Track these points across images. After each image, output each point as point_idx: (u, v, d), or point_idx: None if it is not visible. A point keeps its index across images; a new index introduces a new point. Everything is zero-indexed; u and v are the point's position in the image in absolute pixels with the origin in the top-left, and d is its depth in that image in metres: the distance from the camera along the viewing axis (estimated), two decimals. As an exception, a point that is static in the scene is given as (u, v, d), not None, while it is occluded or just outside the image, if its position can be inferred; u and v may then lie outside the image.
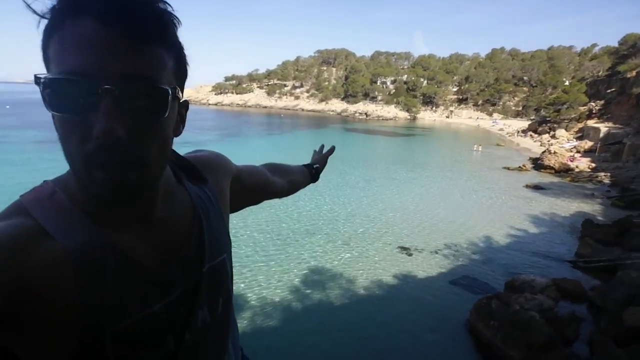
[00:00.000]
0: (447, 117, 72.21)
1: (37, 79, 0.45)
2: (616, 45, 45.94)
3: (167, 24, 0.48)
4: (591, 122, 34.45)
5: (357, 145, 33.91)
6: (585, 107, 39.73)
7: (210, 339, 0.66)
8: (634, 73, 35.92)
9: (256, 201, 0.95)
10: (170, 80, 0.50)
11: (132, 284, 0.53)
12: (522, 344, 6.10)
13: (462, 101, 74.88)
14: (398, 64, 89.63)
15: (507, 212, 14.38)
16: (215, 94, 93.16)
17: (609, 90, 40.29)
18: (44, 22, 0.46)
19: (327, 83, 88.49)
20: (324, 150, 1.29)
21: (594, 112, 37.91)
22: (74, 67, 0.44)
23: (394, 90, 78.20)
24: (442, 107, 74.90)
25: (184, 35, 0.52)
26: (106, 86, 0.44)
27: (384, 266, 9.40)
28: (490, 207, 15.13)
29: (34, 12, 0.46)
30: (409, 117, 71.51)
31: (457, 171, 22.52)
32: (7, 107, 59.40)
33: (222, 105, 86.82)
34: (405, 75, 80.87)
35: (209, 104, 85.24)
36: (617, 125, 30.23)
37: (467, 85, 73.64)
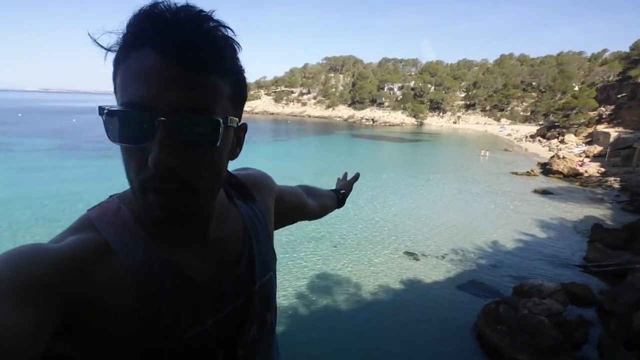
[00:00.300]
0: (455, 122, 71.93)
1: (100, 110, 0.49)
2: (627, 50, 45.51)
3: (223, 52, 0.50)
4: (601, 127, 34.10)
5: (364, 151, 33.96)
6: (595, 112, 39.31)
7: (258, 354, 0.69)
8: (644, 78, 35.53)
9: (292, 221, 0.97)
10: (226, 107, 0.52)
11: (187, 301, 0.56)
12: (531, 348, 6.07)
13: (469, 107, 74.59)
14: (405, 70, 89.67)
15: (515, 216, 14.28)
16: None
17: (619, 96, 39.86)
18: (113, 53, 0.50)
19: (334, 89, 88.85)
20: (348, 177, 1.32)
21: (604, 117, 37.51)
22: (133, 98, 0.46)
23: (401, 97, 78.19)
24: (449, 113, 74.67)
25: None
26: (161, 118, 0.46)
27: (391, 271, 9.40)
28: (498, 212, 15.04)
29: (100, 46, 0.49)
30: (416, 122, 71.39)
31: (465, 176, 22.43)
32: (19, 115, 60.54)
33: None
34: (413, 82, 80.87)
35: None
36: (627, 130, 29.91)
37: (475, 91, 73.35)
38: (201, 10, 0.49)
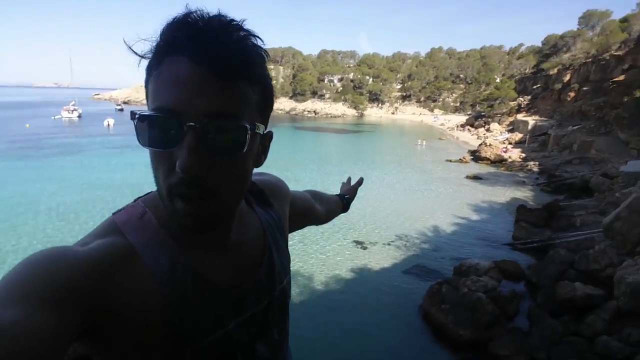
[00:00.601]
0: (393, 113, 74.88)
1: (132, 115, 0.50)
2: (540, 45, 50.28)
3: (253, 61, 0.51)
4: (520, 116, 37.53)
5: (308, 144, 34.07)
6: (515, 102, 43.17)
7: (277, 356, 0.71)
8: (555, 70, 39.59)
9: (302, 226, 0.97)
10: (254, 115, 0.53)
11: (210, 306, 0.57)
12: (471, 323, 6.56)
13: (405, 98, 77.97)
14: (344, 62, 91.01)
15: (451, 201, 15.28)
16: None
17: (534, 87, 44.10)
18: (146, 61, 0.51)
19: (275, 82, 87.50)
20: (352, 182, 1.33)
21: (522, 106, 41.34)
22: (163, 104, 0.48)
23: (341, 88, 79.42)
24: (387, 104, 77.47)
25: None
26: (190, 123, 0.47)
27: (341, 260, 9.60)
28: (436, 198, 16.00)
29: (135, 53, 0.51)
30: (356, 114, 73.12)
31: (404, 165, 23.49)
32: None
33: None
34: (352, 74, 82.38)
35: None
36: (542, 118, 33.22)
37: (409, 83, 76.73)
38: (232, 20, 0.50)
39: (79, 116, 48.26)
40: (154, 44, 0.50)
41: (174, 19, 0.49)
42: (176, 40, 0.48)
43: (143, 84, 0.53)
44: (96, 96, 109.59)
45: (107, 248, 0.50)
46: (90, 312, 0.45)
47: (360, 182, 1.33)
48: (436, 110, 71.31)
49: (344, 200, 1.20)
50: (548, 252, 8.96)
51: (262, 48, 0.53)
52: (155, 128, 0.49)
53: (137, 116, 0.49)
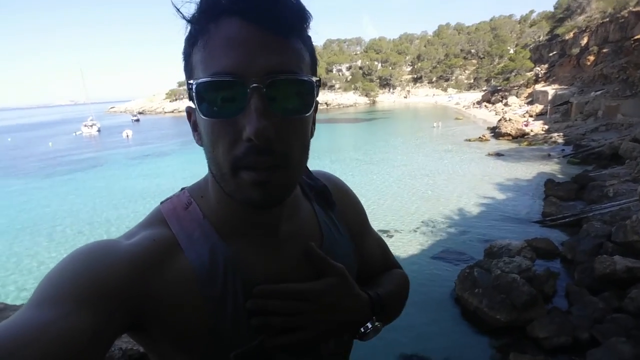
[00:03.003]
0: (405, 97, 73.73)
1: (189, 85, 0.46)
2: (552, 9, 48.36)
3: (306, 18, 0.48)
4: (539, 87, 36.32)
5: (321, 136, 33.97)
6: (531, 73, 41.76)
7: None
8: (571, 35, 38.06)
9: None
10: (309, 73, 0.49)
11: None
12: (507, 306, 6.41)
13: (417, 80, 76.61)
14: (351, 50, 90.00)
15: (475, 182, 14.96)
16: (170, 101, 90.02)
17: (551, 54, 42.56)
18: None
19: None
20: None
21: (540, 76, 39.95)
22: (220, 68, 0.44)
23: (350, 77, 78.68)
24: (399, 88, 76.31)
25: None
26: (254, 84, 0.43)
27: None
28: (459, 179, 15.68)
29: (183, 17, 0.47)
30: (368, 101, 72.34)
31: (423, 149, 23.12)
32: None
33: (179, 112, 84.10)
34: (360, 61, 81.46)
35: (165, 112, 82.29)
36: (562, 87, 32.06)
37: (419, 64, 75.34)
38: None
39: (98, 130, 49.52)
40: (194, 12, 0.46)
41: None
42: (222, 1, 0.44)
43: (182, 57, 0.49)
44: (112, 109, 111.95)
45: (149, 243, 0.50)
46: (130, 311, 0.45)
47: None
48: (450, 90, 69.80)
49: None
50: (582, 226, 8.65)
51: (306, 7, 0.49)
52: (215, 96, 0.45)
53: (194, 87, 0.45)
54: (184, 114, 0.56)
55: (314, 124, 0.55)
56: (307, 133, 0.51)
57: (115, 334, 0.44)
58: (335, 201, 0.70)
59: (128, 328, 0.47)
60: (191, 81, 0.46)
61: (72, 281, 0.43)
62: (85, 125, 50.12)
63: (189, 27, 0.47)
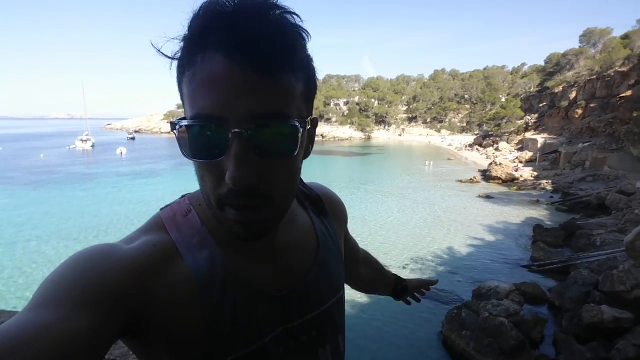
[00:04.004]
0: (400, 134, 75.22)
1: (172, 126, 0.46)
2: (542, 63, 50.66)
3: (294, 47, 0.45)
4: (529, 134, 37.41)
5: (315, 166, 34.18)
6: (522, 121, 43.14)
7: None
8: (560, 88, 39.69)
9: None
10: (300, 107, 0.48)
11: (250, 311, 0.54)
12: (494, 350, 6.30)
13: (412, 119, 78.49)
14: (349, 86, 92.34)
15: (465, 222, 15.06)
16: (167, 122, 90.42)
17: (540, 104, 44.15)
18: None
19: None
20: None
21: (530, 124, 41.24)
22: (202, 110, 0.43)
23: (347, 111, 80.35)
24: (394, 126, 77.98)
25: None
26: (235, 130, 0.42)
27: (355, 285, 9.40)
28: (449, 218, 15.78)
29: (165, 55, 0.46)
30: (363, 136, 73.56)
31: (414, 186, 23.36)
32: None
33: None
34: (357, 97, 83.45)
35: (162, 133, 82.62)
36: (551, 136, 33.07)
37: (415, 104, 77.45)
38: (257, 3, 0.43)
39: (92, 145, 49.27)
40: (183, 40, 0.44)
41: (200, 6, 0.43)
42: (206, 34, 0.42)
43: (176, 84, 0.48)
44: (108, 126, 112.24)
45: (149, 248, 0.50)
46: (129, 314, 0.45)
47: (431, 282, 1.17)
48: (443, 131, 71.49)
49: (399, 284, 1.06)
50: (569, 273, 8.69)
51: (301, 27, 0.46)
52: (197, 137, 0.44)
53: (177, 127, 0.45)
54: None
55: (311, 142, 0.55)
56: (296, 165, 0.50)
57: (114, 336, 0.44)
58: (329, 212, 0.72)
59: (125, 333, 0.46)
60: (174, 121, 0.45)
61: (72, 284, 0.42)
62: (80, 140, 49.88)
63: (179, 49, 0.46)
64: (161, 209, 0.57)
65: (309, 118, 0.50)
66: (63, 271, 0.44)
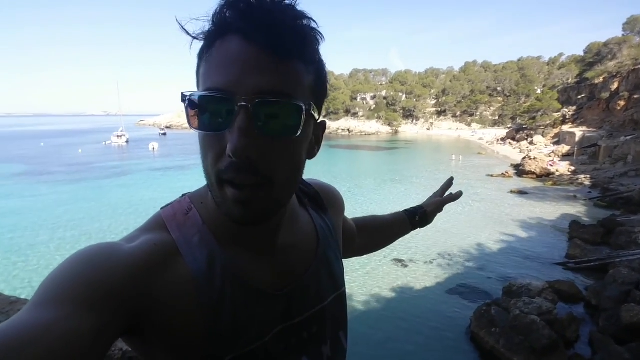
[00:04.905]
0: (428, 129, 73.66)
1: (183, 97, 0.48)
2: (582, 53, 48.13)
3: (309, 39, 0.49)
4: (566, 127, 35.71)
5: (342, 161, 34.14)
6: (559, 113, 41.23)
7: None
8: (601, 79, 37.60)
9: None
10: (307, 96, 0.49)
11: (249, 311, 0.54)
12: (526, 349, 6.10)
13: (441, 113, 76.67)
14: (376, 80, 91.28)
15: (496, 218, 14.61)
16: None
17: (579, 96, 42.00)
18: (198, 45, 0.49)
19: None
20: (448, 192, 1.14)
21: (567, 117, 39.35)
22: (215, 84, 0.46)
23: (374, 106, 79.50)
24: (422, 120, 76.43)
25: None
26: (241, 103, 0.44)
27: (381, 279, 9.36)
28: (479, 214, 15.36)
29: (187, 33, 0.48)
30: (391, 131, 72.61)
31: (443, 180, 22.79)
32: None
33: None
34: (384, 91, 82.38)
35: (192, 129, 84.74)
36: (591, 129, 31.42)
37: (444, 98, 75.56)
38: None
39: (127, 141, 51.25)
40: (205, 28, 0.48)
41: None
42: (227, 20, 0.46)
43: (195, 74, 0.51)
44: (141, 122, 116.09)
45: (150, 247, 0.50)
46: (130, 313, 0.45)
47: (455, 196, 1.14)
48: (474, 125, 69.46)
49: (415, 216, 1.06)
50: (608, 271, 8.26)
51: (317, 30, 0.50)
52: (205, 110, 0.46)
53: (187, 98, 0.47)
54: None
55: (318, 144, 0.57)
56: (299, 154, 0.51)
57: (115, 335, 0.44)
58: (328, 207, 0.73)
59: (125, 331, 0.47)
60: (186, 93, 0.47)
61: (73, 282, 0.43)
62: (116, 136, 52.01)
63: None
64: (162, 208, 0.57)
65: (317, 111, 0.51)
66: (64, 270, 0.44)
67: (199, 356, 0.50)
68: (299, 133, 0.48)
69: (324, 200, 0.73)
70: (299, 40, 0.47)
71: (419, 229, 1.07)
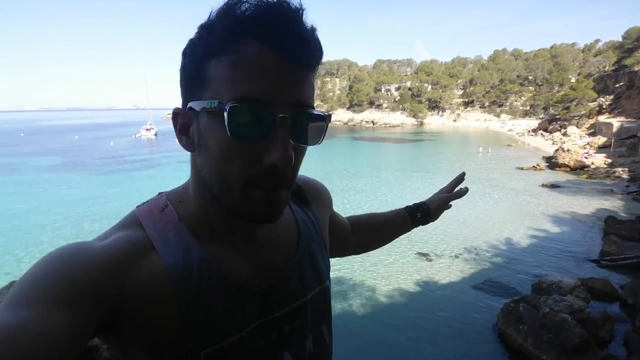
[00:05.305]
0: (455, 120, 71.85)
1: (221, 105, 0.45)
2: (620, 39, 45.54)
3: (322, 52, 0.51)
4: (602, 118, 34.02)
5: (366, 153, 33.91)
6: (594, 103, 39.26)
7: None
8: (641, 66, 35.51)
9: (337, 253, 0.88)
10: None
11: (227, 305, 0.53)
12: (556, 348, 5.92)
13: (468, 104, 74.60)
14: (401, 70, 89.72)
15: (526, 212, 14.15)
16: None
17: (617, 85, 39.84)
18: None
19: (331, 94, 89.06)
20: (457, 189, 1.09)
21: (604, 107, 37.44)
22: (249, 93, 0.45)
23: (398, 97, 78.27)
24: (448, 111, 74.63)
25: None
26: (282, 115, 0.46)
27: (404, 273, 9.29)
28: (508, 207, 14.92)
29: (210, 32, 0.48)
30: (416, 122, 71.35)
31: (470, 173, 22.18)
32: (22, 135, 60.94)
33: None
34: (409, 82, 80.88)
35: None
36: (629, 119, 29.80)
37: (472, 88, 73.41)
38: (299, 5, 0.48)
39: (155, 134, 52.78)
40: (220, 25, 0.47)
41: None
42: (253, 25, 0.45)
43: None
44: (168, 115, 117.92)
45: (123, 243, 0.49)
46: (105, 310, 0.45)
47: (459, 193, 1.07)
48: (503, 115, 67.22)
49: (416, 214, 1.00)
50: (646, 269, 7.88)
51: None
52: (242, 119, 0.45)
53: (227, 108, 0.45)
54: None
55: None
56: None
57: (91, 332, 0.44)
58: (311, 201, 0.73)
59: (101, 330, 0.46)
60: (222, 100, 0.45)
61: (46, 282, 0.42)
62: (145, 129, 53.62)
63: (199, 34, 0.49)
64: (137, 206, 0.57)
65: None
66: (37, 271, 0.44)
67: (174, 351, 0.50)
68: (320, 142, 0.52)
69: (307, 195, 0.73)
70: (320, 55, 0.50)
71: (419, 225, 1.02)
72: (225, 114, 0.45)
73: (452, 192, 1.07)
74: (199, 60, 0.48)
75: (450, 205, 1.06)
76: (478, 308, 7.68)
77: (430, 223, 1.03)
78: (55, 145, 42.02)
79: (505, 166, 24.33)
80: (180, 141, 0.54)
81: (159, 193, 0.60)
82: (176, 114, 0.54)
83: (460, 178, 1.09)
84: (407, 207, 1.02)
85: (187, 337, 0.50)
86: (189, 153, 0.55)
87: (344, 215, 0.94)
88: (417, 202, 1.03)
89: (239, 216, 0.53)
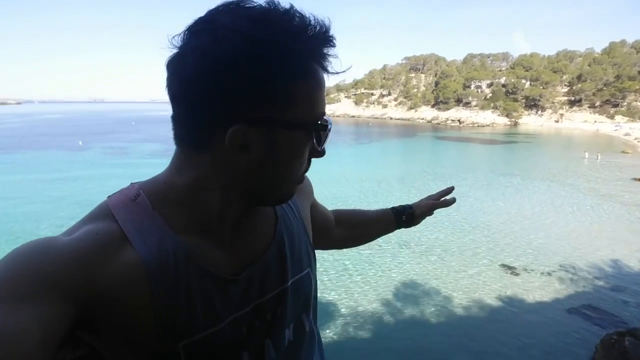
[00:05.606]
0: (557, 121, 64.84)
1: (325, 122, 0.56)
2: None
3: None
4: None
5: (450, 154, 32.28)
6: None
7: (295, 358, 0.65)
8: None
9: (318, 244, 0.89)
10: None
11: (205, 295, 0.53)
12: (672, 397, 4.99)
13: (574, 103, 66.59)
14: (494, 65, 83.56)
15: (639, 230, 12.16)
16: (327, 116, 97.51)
17: None
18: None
19: (415, 90, 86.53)
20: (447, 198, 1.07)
21: None
22: (324, 110, 0.56)
23: (490, 95, 73.01)
24: (549, 111, 67.48)
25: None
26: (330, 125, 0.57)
27: (485, 285, 8.64)
28: (617, 224, 13.05)
29: (325, 69, 0.54)
30: (509, 122, 65.92)
31: (573, 182, 19.85)
32: (133, 123, 69.83)
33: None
34: (504, 78, 74.99)
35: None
36: None
37: (580, 85, 65.41)
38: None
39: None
40: (297, 46, 0.49)
41: (305, 23, 0.50)
42: (317, 48, 0.52)
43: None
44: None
45: (92, 236, 0.48)
46: (76, 305, 0.44)
47: (447, 202, 1.05)
48: (618, 117, 58.84)
49: (401, 216, 1.03)
50: None
51: None
52: (324, 132, 0.56)
53: (329, 126, 0.56)
54: None
55: None
56: None
57: (63, 327, 0.43)
58: None
59: (77, 326, 0.46)
60: (325, 118, 0.55)
61: (12, 279, 0.42)
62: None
63: (266, 51, 0.47)
64: (108, 197, 0.55)
65: None
66: (1, 268, 0.43)
67: (152, 344, 0.49)
68: None
69: None
70: None
71: (403, 228, 1.06)
72: (327, 132, 0.56)
73: (439, 200, 1.07)
74: (281, 78, 0.48)
75: (433, 213, 1.07)
76: (571, 336, 6.82)
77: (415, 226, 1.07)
78: (162, 134, 47.23)
79: (617, 176, 21.30)
80: (238, 158, 0.52)
81: (131, 183, 0.58)
82: (244, 133, 0.50)
83: (448, 190, 1.09)
84: (394, 208, 1.05)
85: (164, 329, 0.50)
86: None
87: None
88: (404, 204, 1.06)
89: (271, 205, 0.63)
